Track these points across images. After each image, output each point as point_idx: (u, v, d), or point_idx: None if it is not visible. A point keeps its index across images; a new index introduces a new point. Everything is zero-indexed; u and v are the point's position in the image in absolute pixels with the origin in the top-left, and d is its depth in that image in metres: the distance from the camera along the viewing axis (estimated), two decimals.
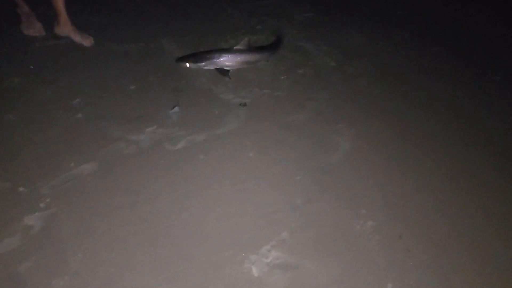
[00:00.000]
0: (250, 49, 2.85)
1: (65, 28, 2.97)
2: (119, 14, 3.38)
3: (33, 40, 2.97)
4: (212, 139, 2.28)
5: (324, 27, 3.42)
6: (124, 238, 1.76)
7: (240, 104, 2.53)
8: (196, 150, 2.21)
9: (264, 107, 2.53)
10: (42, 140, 2.19)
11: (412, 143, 2.31)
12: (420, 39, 3.31)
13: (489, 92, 2.75)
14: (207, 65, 2.77)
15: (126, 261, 1.68)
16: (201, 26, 3.32)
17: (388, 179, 2.09)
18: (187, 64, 2.76)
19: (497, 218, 1.93)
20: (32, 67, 2.71)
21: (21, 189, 1.92)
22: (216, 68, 2.78)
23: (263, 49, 2.96)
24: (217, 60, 2.77)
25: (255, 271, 1.67)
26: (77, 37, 2.99)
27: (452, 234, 1.85)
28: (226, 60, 2.78)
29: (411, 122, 2.46)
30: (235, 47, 2.82)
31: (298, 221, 1.87)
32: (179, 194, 1.97)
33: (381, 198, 1.99)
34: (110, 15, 3.33)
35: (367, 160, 2.19)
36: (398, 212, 1.93)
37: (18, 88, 2.53)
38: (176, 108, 2.45)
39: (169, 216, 1.86)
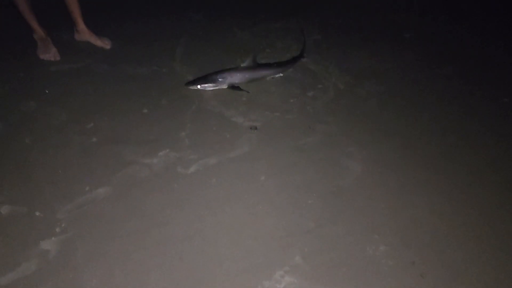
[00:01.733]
0: (255, 66, 2.99)
1: (83, 34, 3.31)
2: (131, 39, 3.45)
3: (49, 65, 3.04)
4: (224, 162, 2.31)
5: (333, 49, 3.46)
6: (139, 262, 1.78)
7: (250, 128, 2.56)
8: (209, 173, 2.24)
9: (275, 130, 2.56)
10: (58, 164, 2.24)
11: (423, 166, 2.33)
12: (427, 61, 3.34)
13: (498, 114, 2.76)
14: (216, 86, 2.87)
15: (140, 286, 1.69)
16: (211, 50, 3.38)
17: (400, 203, 2.10)
18: (198, 86, 2.84)
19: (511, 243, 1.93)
20: (47, 91, 2.78)
21: (37, 213, 1.96)
22: (228, 86, 2.89)
23: (269, 66, 3.07)
24: (225, 79, 2.88)
25: None
26: (97, 42, 3.31)
27: (466, 259, 1.85)
28: (234, 78, 2.90)
29: (421, 145, 2.48)
30: (241, 65, 2.96)
31: (311, 246, 1.88)
32: (193, 218, 1.99)
33: (393, 223, 2.00)
34: (122, 40, 3.41)
35: (378, 184, 2.20)
36: (411, 237, 1.93)
37: (34, 112, 2.59)
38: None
39: (183, 240, 1.88)
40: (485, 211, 2.07)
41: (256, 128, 2.56)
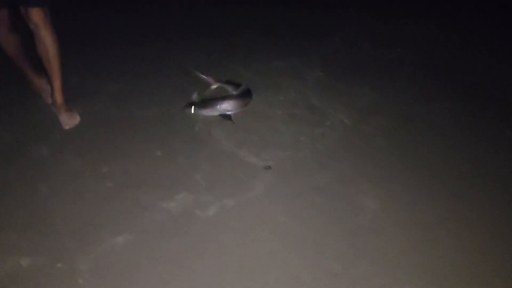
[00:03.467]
0: (243, 93, 3.20)
1: (54, 106, 2.87)
2: (138, 79, 3.48)
3: None
4: (242, 204, 2.32)
5: (336, 86, 3.54)
6: None
7: (264, 168, 2.59)
8: (227, 216, 2.24)
9: (289, 169, 2.59)
10: (75, 212, 2.22)
11: (439, 201, 2.35)
12: (429, 96, 3.41)
13: (503, 147, 2.82)
14: (210, 112, 3.04)
15: None
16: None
17: (422, 240, 2.12)
18: (192, 110, 3.01)
19: None
20: (59, 136, 2.78)
21: (59, 265, 1.93)
22: (220, 114, 3.03)
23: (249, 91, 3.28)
24: (219, 106, 3.03)
25: None
26: (60, 118, 2.84)
27: None
28: (228, 106, 3.05)
29: (434, 180, 2.51)
30: (232, 93, 3.18)
31: None
32: (214, 264, 1.98)
33: (417, 261, 2.01)
34: (125, 82, 3.43)
35: (398, 221, 2.22)
36: (436, 276, 1.94)
37: (47, 158, 2.58)
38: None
39: None
40: (508, 249, 2.09)
41: (270, 167, 2.59)
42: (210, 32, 4.47)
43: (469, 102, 3.32)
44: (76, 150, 2.67)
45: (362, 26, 4.69)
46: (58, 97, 2.84)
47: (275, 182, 2.48)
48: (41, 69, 2.78)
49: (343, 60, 4.03)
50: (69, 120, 2.89)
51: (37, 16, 2.34)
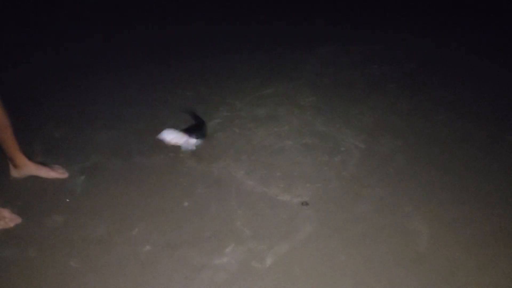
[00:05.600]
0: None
1: (26, 168, 2.59)
2: (125, 126, 3.23)
3: None
4: (296, 247, 2.20)
5: (333, 108, 3.55)
6: None
7: (302, 204, 2.49)
8: (288, 263, 2.11)
9: (326, 202, 2.51)
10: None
11: (486, 217, 2.39)
12: (422, 109, 3.52)
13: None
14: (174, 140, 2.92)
15: None
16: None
17: (481, 258, 2.12)
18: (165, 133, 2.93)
19: None
20: (68, 200, 2.48)
21: None
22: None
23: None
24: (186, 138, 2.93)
25: None
26: (50, 173, 2.63)
27: None
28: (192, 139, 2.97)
29: (473, 194, 2.56)
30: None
31: None
32: None
33: (487, 280, 2.02)
34: (115, 127, 3.19)
35: (452, 243, 2.21)
36: None
37: (64, 227, 2.29)
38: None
39: None
40: None
41: (307, 203, 2.50)
42: (192, 66, 4.33)
43: (465, 112, 3.46)
44: (93, 213, 2.40)
45: (334, 46, 4.79)
46: (25, 160, 2.56)
47: (319, 217, 2.40)
48: None
49: (328, 80, 4.07)
50: (58, 170, 2.68)
51: None
